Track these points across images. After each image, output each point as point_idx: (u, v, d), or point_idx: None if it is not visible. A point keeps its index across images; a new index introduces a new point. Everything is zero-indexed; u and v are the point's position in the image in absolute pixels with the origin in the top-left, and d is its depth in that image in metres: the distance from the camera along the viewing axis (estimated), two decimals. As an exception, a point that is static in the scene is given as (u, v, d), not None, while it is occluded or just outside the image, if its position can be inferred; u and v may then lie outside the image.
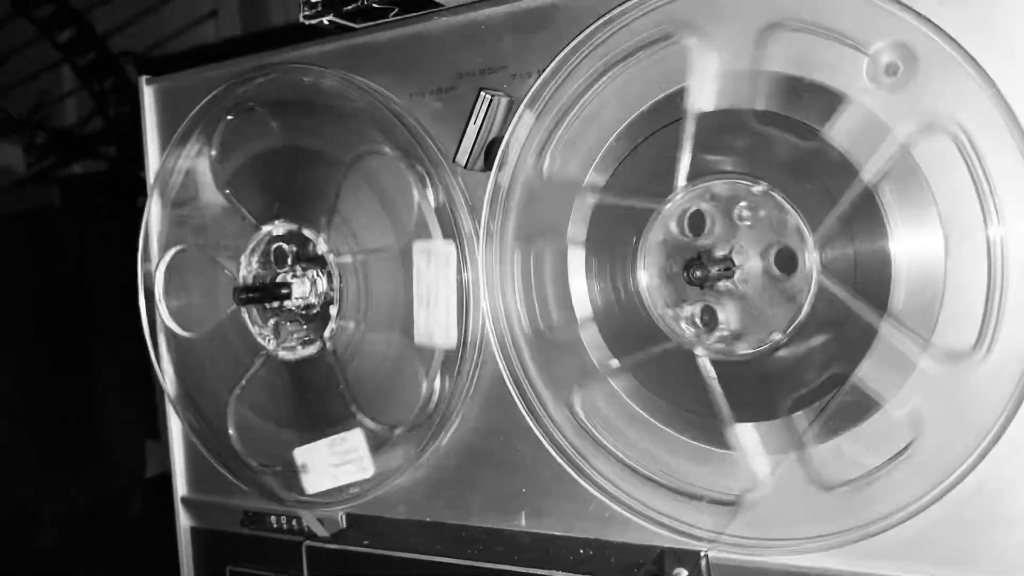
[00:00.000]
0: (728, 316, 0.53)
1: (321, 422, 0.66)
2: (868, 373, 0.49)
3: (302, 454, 0.66)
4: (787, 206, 0.49)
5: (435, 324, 0.62)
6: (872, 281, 0.49)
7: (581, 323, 0.58)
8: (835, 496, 0.50)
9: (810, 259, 0.49)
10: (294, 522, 0.70)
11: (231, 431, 0.68)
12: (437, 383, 0.63)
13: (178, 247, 0.71)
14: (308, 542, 0.64)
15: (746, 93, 0.50)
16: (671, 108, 0.53)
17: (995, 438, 0.47)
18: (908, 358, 0.48)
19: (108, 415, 2.04)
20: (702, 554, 0.54)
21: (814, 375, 0.51)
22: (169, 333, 0.73)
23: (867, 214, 0.48)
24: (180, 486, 0.76)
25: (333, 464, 0.64)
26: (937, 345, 0.47)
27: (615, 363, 0.57)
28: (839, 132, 0.49)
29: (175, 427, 0.75)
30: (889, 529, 0.49)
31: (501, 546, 0.60)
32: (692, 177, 0.53)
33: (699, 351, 0.53)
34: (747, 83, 0.50)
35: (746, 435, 0.52)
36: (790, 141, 0.49)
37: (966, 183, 0.46)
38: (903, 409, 0.49)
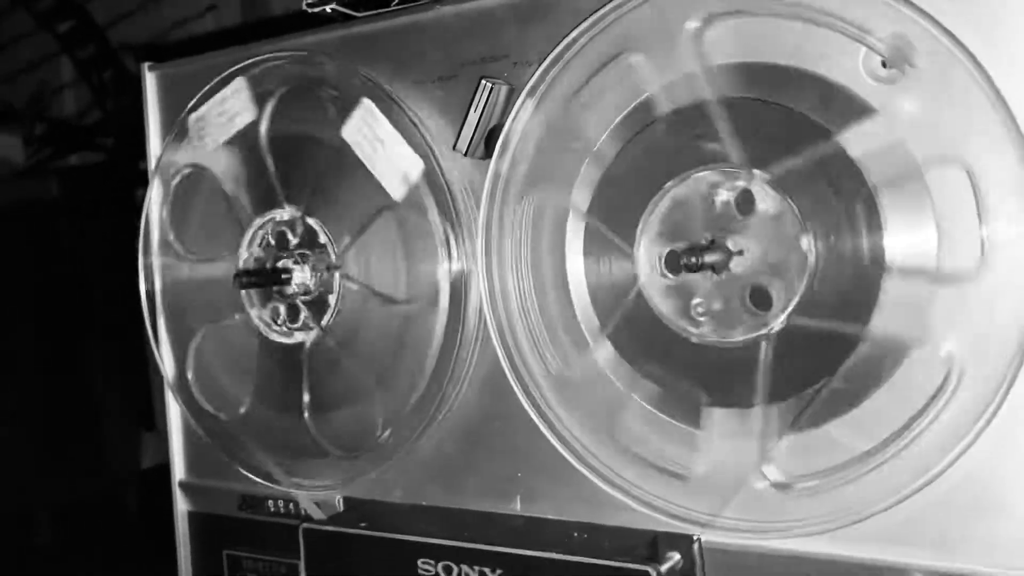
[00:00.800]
0: (716, 298, 0.53)
1: (325, 404, 0.67)
2: (882, 325, 0.49)
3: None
4: (779, 195, 0.50)
5: (398, 163, 0.62)
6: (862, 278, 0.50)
7: (577, 305, 0.58)
8: (826, 481, 0.51)
9: (806, 242, 0.50)
10: (291, 506, 0.71)
11: (239, 413, 0.69)
12: (439, 352, 0.63)
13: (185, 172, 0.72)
14: (305, 524, 0.65)
15: (709, 88, 0.51)
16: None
17: (987, 422, 0.48)
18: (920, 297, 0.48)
19: (105, 407, 2.04)
20: (695, 538, 0.55)
21: (812, 359, 0.52)
22: (168, 315, 0.74)
23: (866, 210, 0.49)
24: (178, 471, 0.77)
25: None
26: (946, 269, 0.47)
27: (608, 343, 0.57)
28: (853, 138, 0.49)
29: (173, 412, 0.76)
30: (880, 513, 0.50)
31: (495, 529, 0.61)
32: (682, 169, 0.54)
33: (685, 328, 0.54)
34: (705, 81, 0.51)
35: (714, 420, 0.53)
36: (786, 133, 0.50)
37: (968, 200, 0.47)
38: (940, 349, 0.48)
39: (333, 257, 0.67)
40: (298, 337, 0.67)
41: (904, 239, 0.48)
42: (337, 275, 0.66)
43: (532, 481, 0.61)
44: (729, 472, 0.53)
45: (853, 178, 0.48)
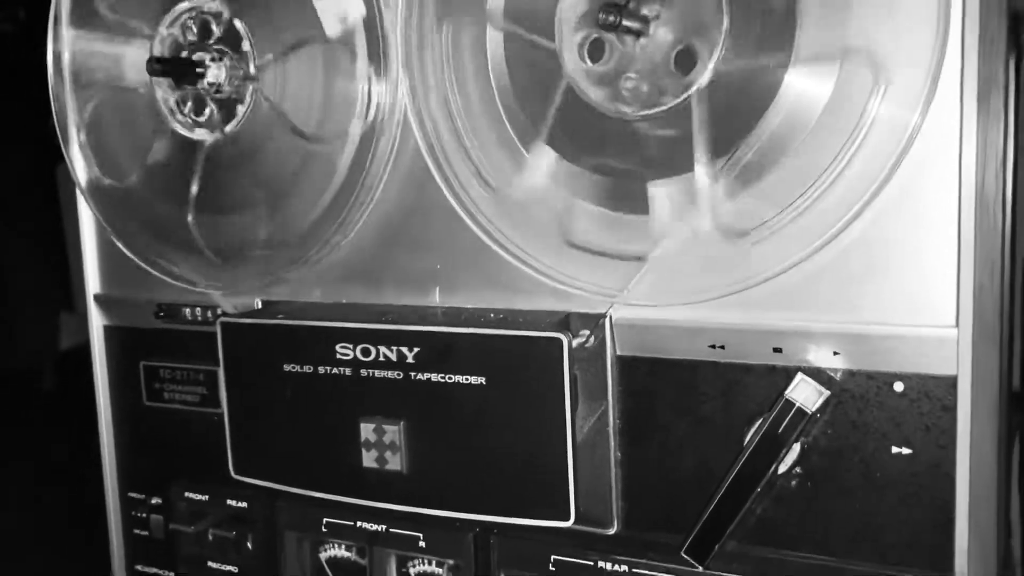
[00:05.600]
0: (643, 71, 0.54)
1: (212, 206, 0.66)
2: (807, 44, 0.50)
3: None
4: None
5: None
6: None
7: (498, 93, 0.58)
8: (733, 248, 0.53)
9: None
10: (209, 313, 0.70)
11: (125, 184, 0.67)
12: (345, 177, 0.63)
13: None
14: (222, 318, 0.65)
15: None
16: None
17: (877, 190, 0.50)
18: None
19: (20, 287, 1.98)
20: (606, 314, 0.57)
21: (743, 109, 0.52)
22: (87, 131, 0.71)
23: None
24: (92, 283, 0.75)
25: None
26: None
27: (546, 147, 0.57)
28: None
29: (87, 220, 0.74)
30: (778, 276, 0.52)
31: (414, 316, 0.61)
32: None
33: (618, 109, 0.54)
34: None
35: (658, 192, 0.54)
36: None
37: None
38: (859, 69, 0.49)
39: (252, 68, 0.65)
40: (198, 133, 0.65)
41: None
42: (251, 87, 0.64)
43: (451, 273, 0.62)
44: (683, 244, 0.54)
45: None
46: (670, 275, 0.55)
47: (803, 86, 0.50)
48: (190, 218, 0.65)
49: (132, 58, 0.67)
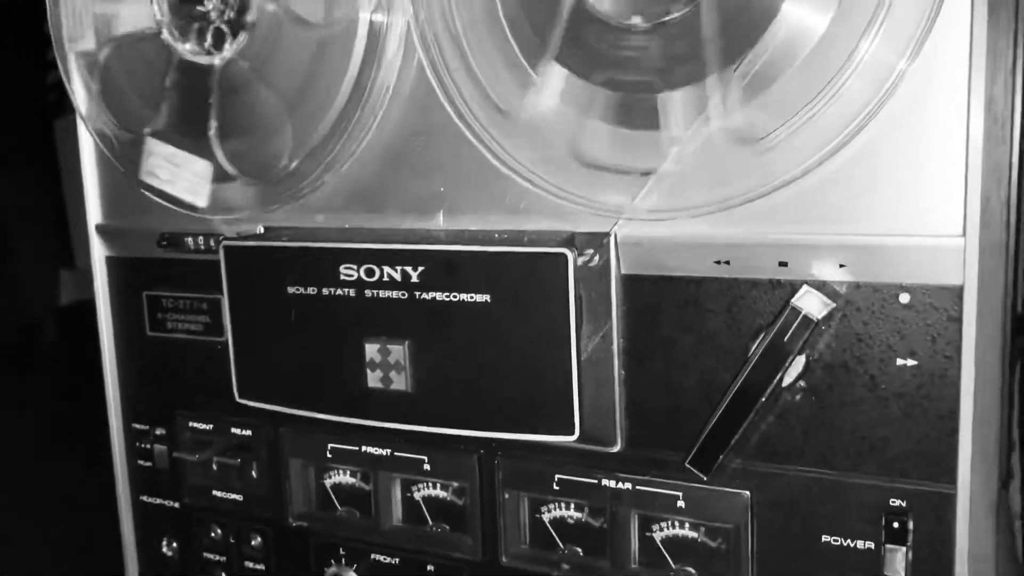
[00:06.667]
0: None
1: (233, 129, 0.65)
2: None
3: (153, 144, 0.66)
4: None
5: None
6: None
7: (502, 6, 0.57)
8: (743, 155, 0.52)
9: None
10: (212, 241, 0.70)
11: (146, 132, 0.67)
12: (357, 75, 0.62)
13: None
14: (225, 241, 0.64)
15: None
16: None
17: (878, 105, 0.49)
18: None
19: (20, 244, 1.98)
20: (610, 231, 0.57)
21: (732, 39, 0.52)
22: (78, 55, 0.70)
23: None
24: (94, 214, 0.75)
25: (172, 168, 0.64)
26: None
27: (555, 64, 0.56)
28: None
29: (87, 150, 0.73)
30: (784, 187, 0.52)
31: (418, 237, 0.61)
32: None
33: (637, 24, 0.54)
34: None
35: (670, 100, 0.54)
36: None
37: None
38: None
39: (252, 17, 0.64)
40: (208, 58, 0.65)
41: None
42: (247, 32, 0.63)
43: (455, 195, 0.62)
44: (694, 153, 0.53)
45: None
46: (675, 189, 0.54)
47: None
48: (215, 144, 0.65)
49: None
